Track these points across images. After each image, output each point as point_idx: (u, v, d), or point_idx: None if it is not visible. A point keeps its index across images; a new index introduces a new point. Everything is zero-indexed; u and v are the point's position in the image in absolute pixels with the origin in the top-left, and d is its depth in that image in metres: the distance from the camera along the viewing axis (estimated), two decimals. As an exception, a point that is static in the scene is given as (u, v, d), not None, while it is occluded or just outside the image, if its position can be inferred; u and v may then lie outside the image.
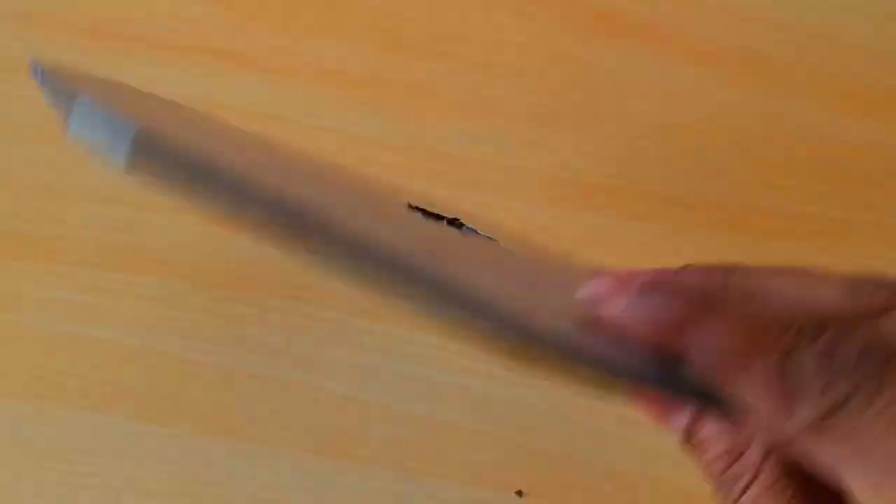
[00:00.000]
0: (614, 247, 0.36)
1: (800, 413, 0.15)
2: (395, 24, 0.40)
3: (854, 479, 0.15)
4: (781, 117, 0.39)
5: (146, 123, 0.16)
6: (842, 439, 0.15)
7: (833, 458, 0.15)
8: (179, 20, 0.39)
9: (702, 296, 0.17)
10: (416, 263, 0.16)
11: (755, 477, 0.17)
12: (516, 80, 0.39)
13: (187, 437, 0.32)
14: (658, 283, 0.17)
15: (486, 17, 0.40)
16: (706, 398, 0.16)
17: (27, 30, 0.39)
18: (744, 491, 0.17)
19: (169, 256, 0.35)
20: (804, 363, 0.15)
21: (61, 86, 0.19)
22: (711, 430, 0.18)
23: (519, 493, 0.32)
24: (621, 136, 0.38)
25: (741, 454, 0.18)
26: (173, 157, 0.15)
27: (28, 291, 0.34)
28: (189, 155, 0.16)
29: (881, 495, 0.15)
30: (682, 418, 0.18)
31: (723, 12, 0.40)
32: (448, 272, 0.16)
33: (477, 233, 0.31)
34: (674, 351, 0.16)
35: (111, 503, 0.31)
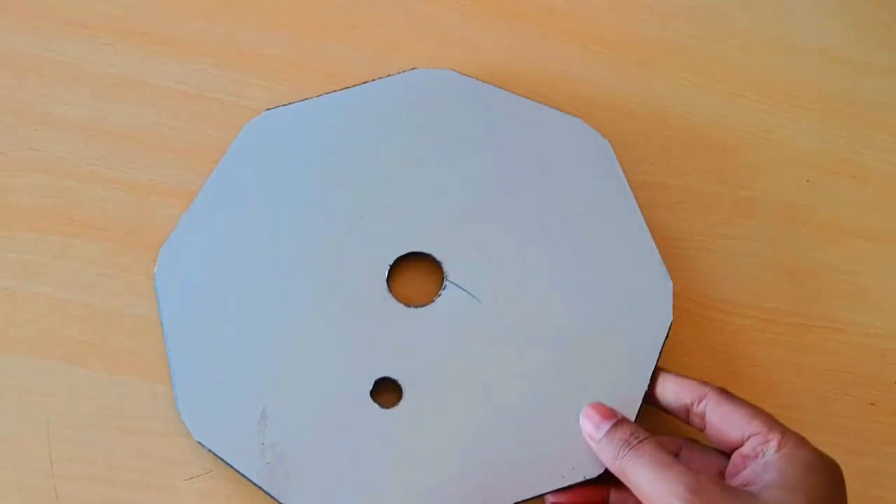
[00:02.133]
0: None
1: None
2: (312, 10, 0.44)
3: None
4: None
5: None
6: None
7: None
8: (113, 5, 0.43)
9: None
10: None
11: None
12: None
13: (109, 376, 0.37)
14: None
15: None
16: None
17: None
18: None
19: (98, 221, 0.39)
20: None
21: None
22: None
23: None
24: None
25: None
26: None
27: (-26, 252, 0.38)
28: None
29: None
30: None
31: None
32: None
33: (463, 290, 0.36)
34: None
35: (43, 433, 0.36)
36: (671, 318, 0.37)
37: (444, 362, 0.37)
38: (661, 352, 0.37)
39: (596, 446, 0.34)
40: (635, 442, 0.32)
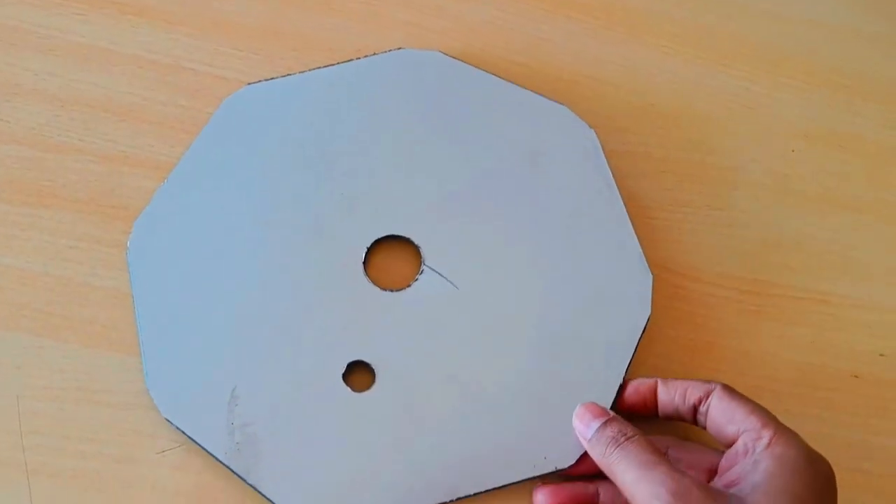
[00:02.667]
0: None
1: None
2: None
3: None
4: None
5: None
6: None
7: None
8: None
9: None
10: None
11: None
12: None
13: (80, 349, 0.36)
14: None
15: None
16: None
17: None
18: None
19: (69, 193, 0.39)
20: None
21: None
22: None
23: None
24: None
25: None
26: None
27: (-57, 223, 0.38)
28: None
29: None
30: None
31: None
32: None
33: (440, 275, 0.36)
34: None
35: (13, 406, 0.35)
36: (649, 311, 0.37)
37: (419, 347, 0.36)
38: (637, 344, 0.36)
39: (587, 444, 0.33)
40: (623, 440, 0.32)
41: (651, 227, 0.40)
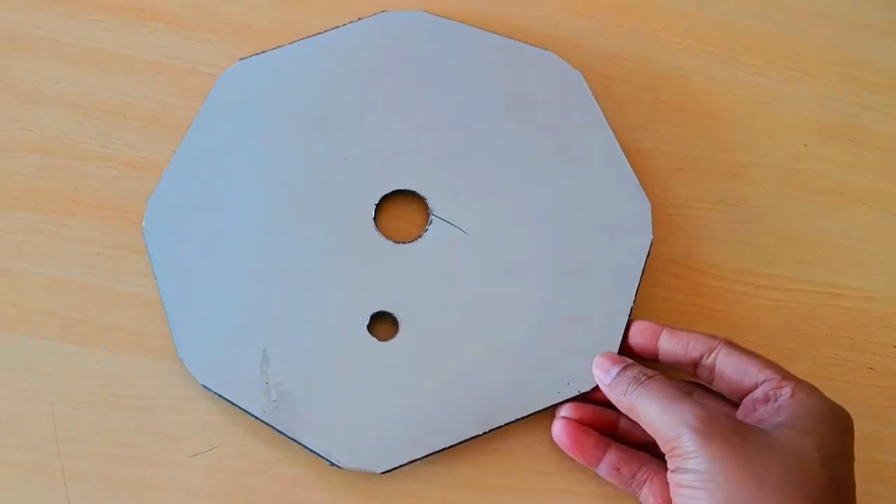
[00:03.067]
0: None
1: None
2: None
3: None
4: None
5: None
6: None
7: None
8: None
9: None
10: None
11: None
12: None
13: (110, 355, 0.37)
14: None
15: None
16: None
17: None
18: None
19: (94, 200, 0.39)
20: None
21: None
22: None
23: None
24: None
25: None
26: None
27: (-30, 233, 0.38)
28: None
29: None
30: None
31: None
32: None
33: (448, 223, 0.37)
34: None
35: (47, 413, 0.36)
36: (651, 237, 0.38)
37: (437, 293, 0.38)
38: (643, 270, 0.38)
39: (607, 389, 0.34)
40: (644, 378, 0.33)
41: (667, 223, 0.40)
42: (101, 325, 0.37)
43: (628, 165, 0.39)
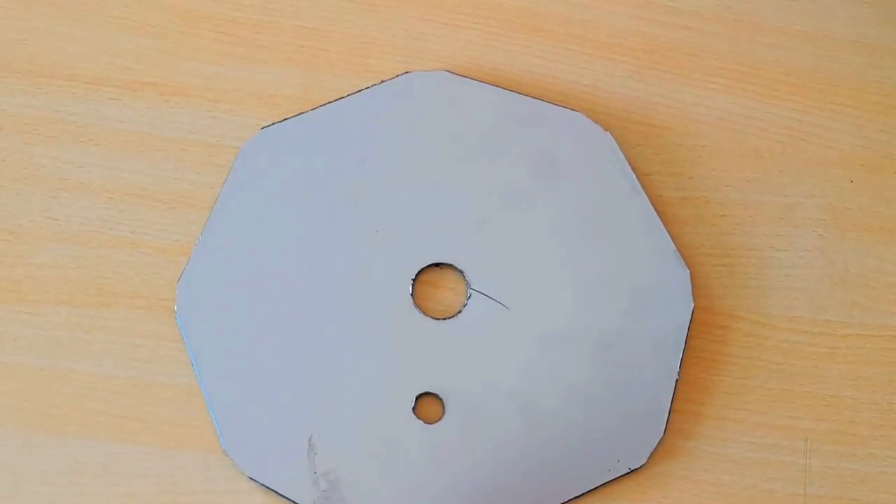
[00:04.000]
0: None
1: None
2: (321, 46, 0.42)
3: None
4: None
5: None
6: None
7: None
8: (116, 56, 0.41)
9: None
10: None
11: None
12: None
13: (160, 451, 0.36)
14: None
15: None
16: None
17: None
18: None
19: (128, 289, 0.38)
20: None
21: None
22: None
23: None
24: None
25: None
26: None
27: (4, 331, 0.37)
28: None
29: None
30: None
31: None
32: None
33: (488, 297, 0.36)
34: None
35: (99, 517, 0.35)
36: (692, 305, 0.37)
37: (481, 371, 0.37)
38: (686, 337, 0.37)
39: None
40: None
41: (716, 274, 0.39)
42: (147, 420, 0.36)
43: (665, 231, 0.38)
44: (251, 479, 0.35)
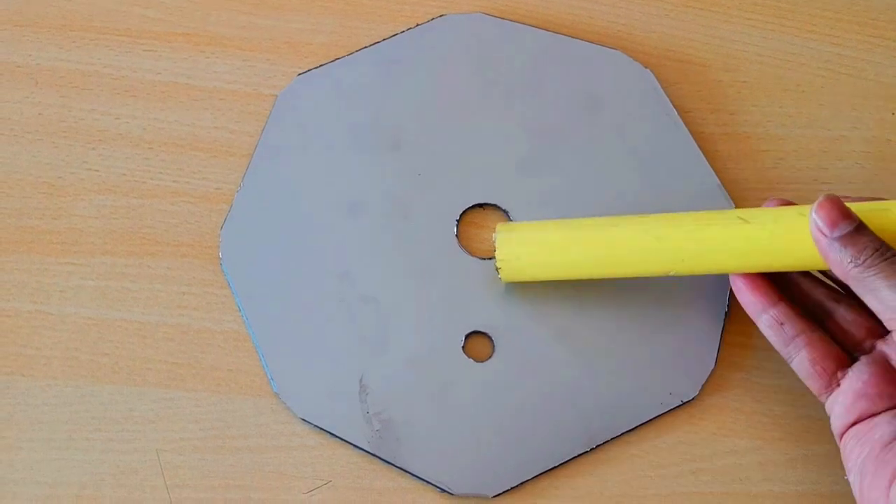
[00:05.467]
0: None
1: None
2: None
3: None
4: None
5: None
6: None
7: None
8: (148, 7, 0.41)
9: None
10: None
11: None
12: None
13: (210, 396, 0.36)
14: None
15: None
16: None
17: (2, 31, 0.41)
18: None
19: (171, 237, 0.38)
20: None
21: None
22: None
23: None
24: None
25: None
26: None
27: (51, 283, 0.37)
28: None
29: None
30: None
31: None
32: None
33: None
34: None
35: (154, 461, 0.35)
36: None
37: (528, 309, 0.37)
38: None
39: (826, 242, 0.30)
40: (890, 255, 0.30)
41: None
42: (197, 367, 0.36)
43: (709, 167, 0.38)
44: (304, 420, 0.35)
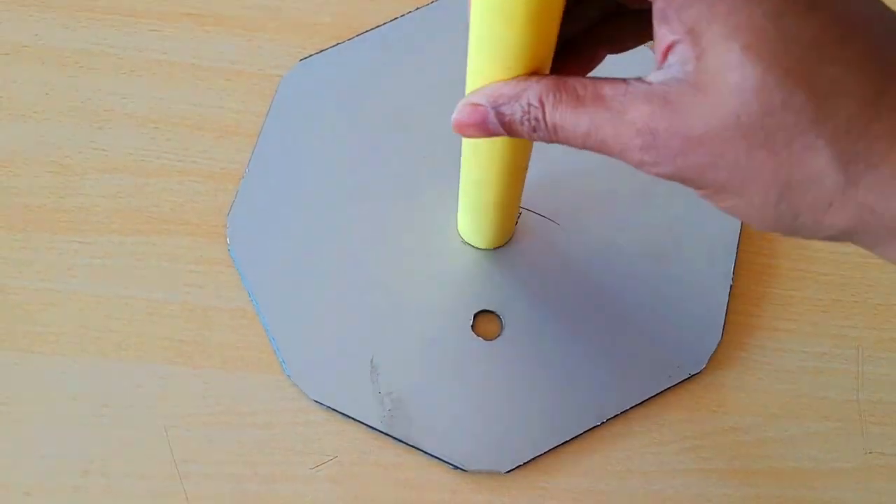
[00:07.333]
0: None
1: None
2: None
3: None
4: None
5: None
6: None
7: None
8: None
9: None
10: None
11: None
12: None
13: (217, 373, 0.36)
14: None
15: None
16: None
17: (8, 11, 0.41)
18: None
19: (178, 216, 0.38)
20: None
21: None
22: None
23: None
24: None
25: None
26: None
27: (59, 261, 0.37)
28: None
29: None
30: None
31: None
32: None
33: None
34: None
35: (162, 437, 0.35)
36: None
37: (536, 287, 0.37)
38: (738, 243, 0.38)
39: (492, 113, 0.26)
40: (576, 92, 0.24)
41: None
42: (204, 344, 0.37)
43: None
44: (318, 402, 0.35)
